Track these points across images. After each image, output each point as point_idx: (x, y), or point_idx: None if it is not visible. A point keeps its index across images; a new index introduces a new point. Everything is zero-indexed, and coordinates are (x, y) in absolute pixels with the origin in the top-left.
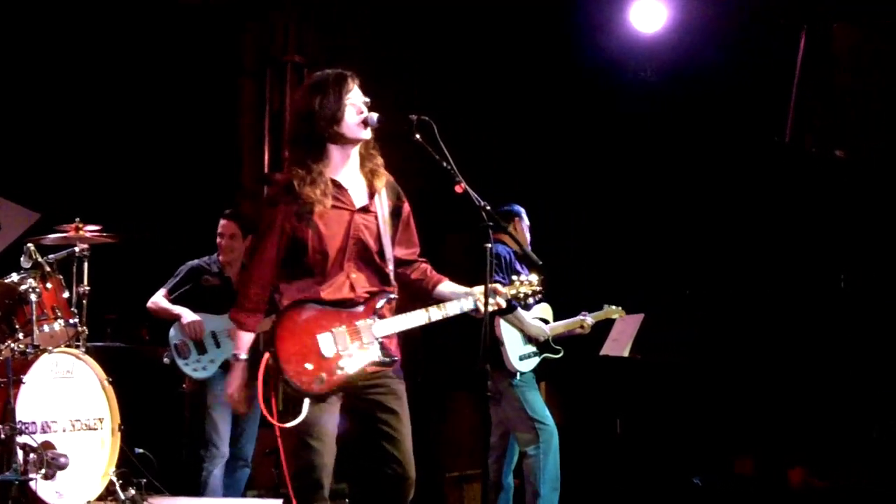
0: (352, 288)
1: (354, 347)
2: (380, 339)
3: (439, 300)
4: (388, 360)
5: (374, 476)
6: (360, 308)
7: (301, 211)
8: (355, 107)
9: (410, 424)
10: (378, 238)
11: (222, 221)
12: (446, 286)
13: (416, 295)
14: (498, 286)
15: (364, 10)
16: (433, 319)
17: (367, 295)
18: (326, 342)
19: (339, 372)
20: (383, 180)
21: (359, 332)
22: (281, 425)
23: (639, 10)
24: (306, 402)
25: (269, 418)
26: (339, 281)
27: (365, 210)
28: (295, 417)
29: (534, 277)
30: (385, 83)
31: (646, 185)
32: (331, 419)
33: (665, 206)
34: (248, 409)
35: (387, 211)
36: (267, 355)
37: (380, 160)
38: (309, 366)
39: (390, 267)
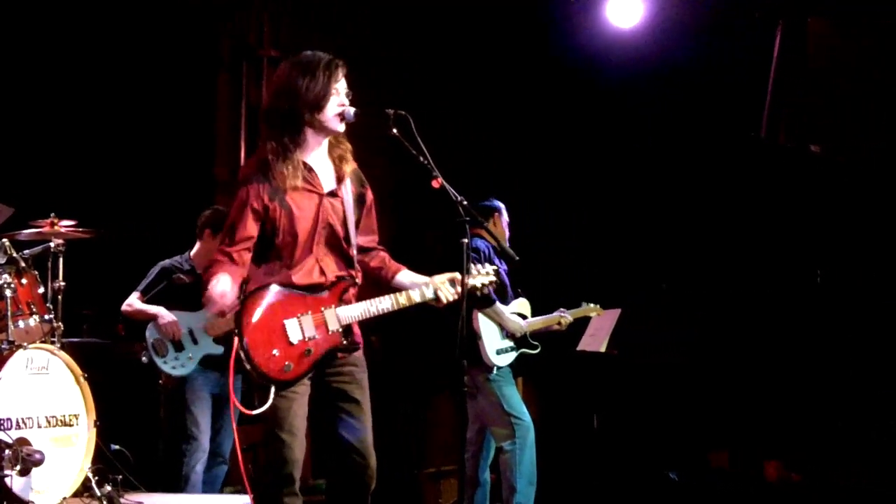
0: (321, 272)
1: (320, 333)
2: (345, 325)
3: (398, 289)
4: (353, 346)
5: (337, 465)
6: (325, 293)
7: (273, 190)
8: (338, 98)
9: (383, 419)
10: (344, 223)
11: (207, 233)
12: (405, 275)
13: (374, 283)
14: (456, 274)
15: (340, 4)
16: (398, 306)
17: (332, 279)
18: (293, 328)
19: (305, 358)
20: (350, 167)
21: (324, 318)
22: (248, 412)
23: (615, 5)
24: (272, 389)
25: (238, 405)
26: (309, 265)
27: (333, 195)
28: (262, 405)
29: (490, 268)
30: (361, 78)
31: (623, 181)
32: (300, 410)
33: (642, 201)
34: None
35: (352, 197)
36: (236, 341)
37: (348, 146)
38: (276, 352)
39: (354, 252)
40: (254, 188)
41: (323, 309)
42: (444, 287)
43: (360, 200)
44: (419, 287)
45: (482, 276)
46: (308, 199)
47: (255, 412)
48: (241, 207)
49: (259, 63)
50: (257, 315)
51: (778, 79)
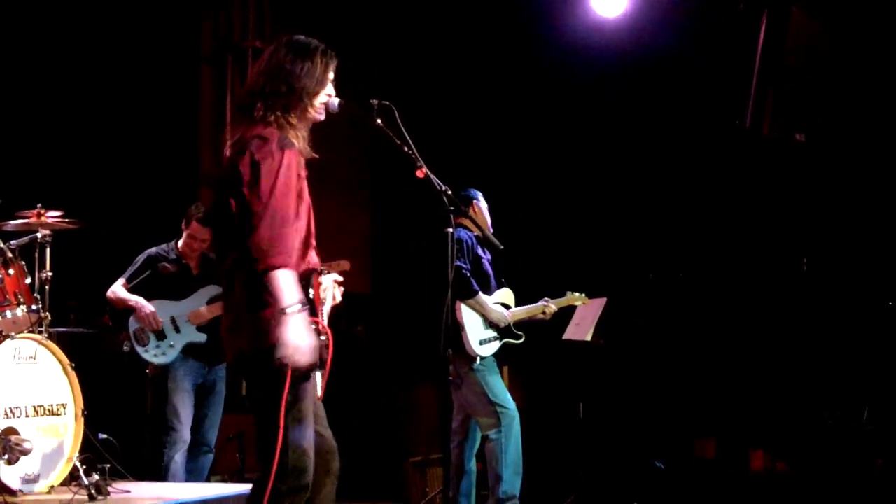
0: (316, 252)
1: (326, 311)
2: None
3: None
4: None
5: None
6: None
7: (301, 163)
8: (329, 87)
9: (368, 408)
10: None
11: (195, 224)
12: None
13: None
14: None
15: None
16: None
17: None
18: (321, 309)
19: (323, 338)
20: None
21: (326, 296)
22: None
23: None
24: (318, 374)
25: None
26: (311, 242)
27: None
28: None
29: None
30: (344, 69)
31: (608, 170)
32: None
33: (627, 191)
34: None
35: None
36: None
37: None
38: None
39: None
40: (295, 154)
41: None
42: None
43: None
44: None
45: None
46: (303, 177)
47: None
48: (283, 179)
49: (244, 55)
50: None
51: (762, 68)
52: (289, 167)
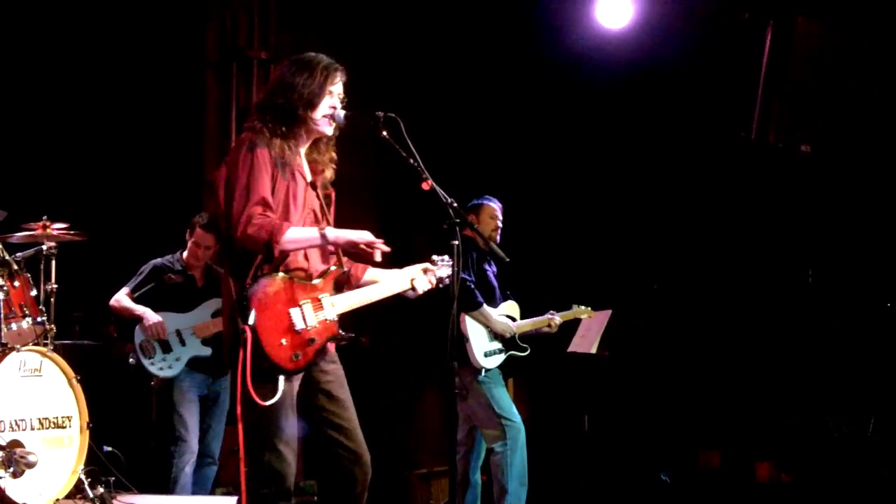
0: (306, 257)
1: (321, 322)
2: (341, 314)
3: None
4: (345, 336)
5: (333, 466)
6: (320, 282)
7: (276, 160)
8: (332, 100)
9: (374, 420)
10: (324, 215)
11: (199, 231)
12: (374, 272)
13: (342, 284)
14: (428, 265)
15: (329, 5)
16: (384, 295)
17: (321, 268)
18: (297, 316)
19: (309, 347)
20: (331, 174)
21: (322, 307)
22: (263, 403)
23: (604, 6)
24: (281, 379)
25: (255, 397)
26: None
27: (313, 186)
28: (273, 396)
29: (445, 257)
30: (351, 79)
31: (613, 181)
32: (292, 414)
33: (633, 202)
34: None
35: (322, 196)
36: (248, 330)
37: (334, 155)
38: (284, 341)
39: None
40: (264, 152)
41: (321, 297)
42: (418, 277)
43: (327, 201)
44: (396, 278)
45: (444, 266)
46: (298, 181)
47: (267, 403)
48: (256, 168)
49: (249, 65)
50: (264, 303)
51: (768, 78)
52: (256, 166)
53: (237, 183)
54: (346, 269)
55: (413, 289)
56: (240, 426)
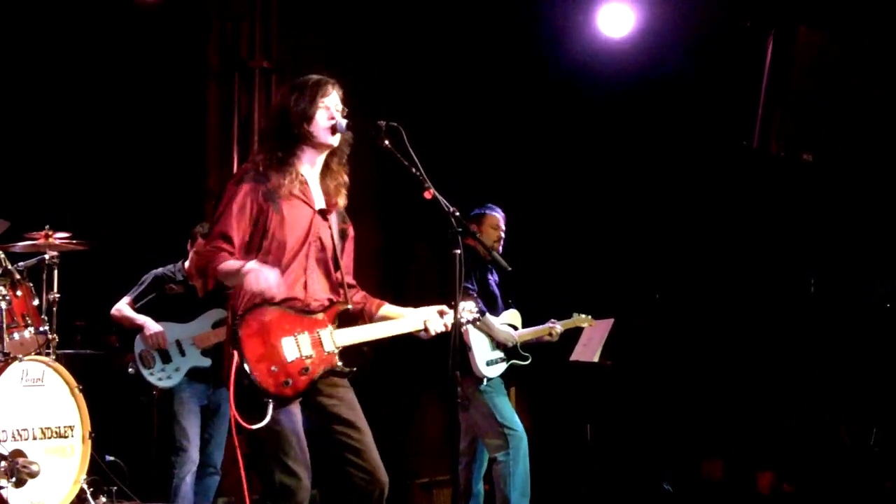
0: (304, 287)
1: (317, 353)
2: (340, 349)
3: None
4: (347, 370)
5: (347, 488)
6: (321, 315)
7: (268, 192)
8: (328, 111)
9: (375, 429)
10: (333, 246)
11: (200, 241)
12: (389, 308)
13: (358, 316)
14: (444, 307)
15: (330, 16)
16: (391, 334)
17: (325, 302)
18: (289, 346)
19: (303, 376)
20: (343, 200)
21: (320, 340)
22: (248, 426)
23: (606, 14)
24: (270, 405)
25: (239, 420)
26: (294, 276)
27: (323, 214)
28: (261, 420)
29: (472, 305)
30: (352, 88)
31: (615, 190)
32: (302, 436)
33: (635, 211)
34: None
35: (337, 229)
36: (235, 355)
37: (345, 179)
38: (274, 368)
39: (342, 278)
40: (248, 186)
41: (319, 330)
42: (433, 318)
43: (342, 235)
44: (409, 317)
45: (467, 312)
46: (301, 209)
47: (254, 427)
48: (229, 203)
49: (251, 74)
50: (255, 330)
51: (770, 87)
52: (237, 198)
53: (220, 216)
54: (348, 305)
55: (426, 330)
56: (235, 439)
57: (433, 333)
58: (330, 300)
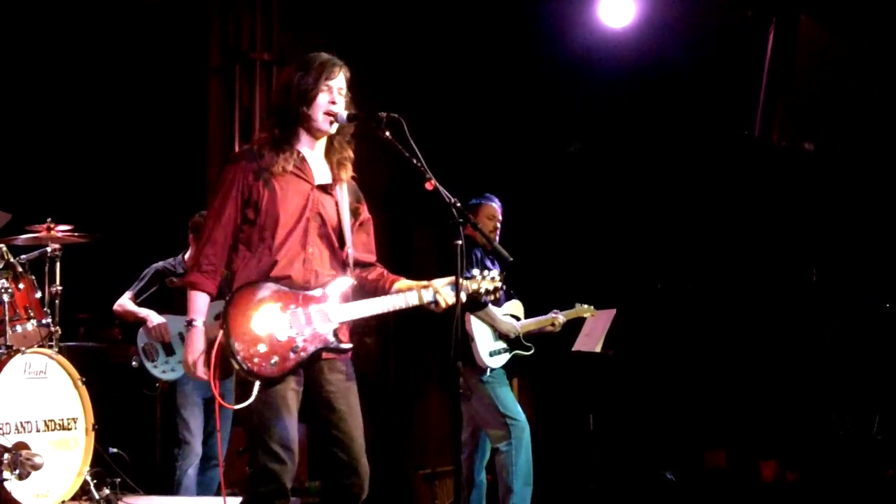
0: (304, 263)
1: (309, 331)
2: (336, 325)
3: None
4: (342, 347)
5: (327, 477)
6: (319, 292)
7: (259, 169)
8: (330, 94)
9: (378, 420)
10: (339, 222)
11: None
12: (404, 283)
13: (373, 294)
14: (462, 281)
15: (331, 7)
16: (395, 308)
17: (326, 277)
18: (282, 323)
19: (292, 356)
20: (348, 174)
21: (315, 316)
22: (230, 406)
23: (607, 5)
24: (256, 385)
25: (218, 399)
26: (292, 254)
27: (325, 189)
28: (244, 400)
29: (495, 273)
30: (353, 79)
31: (616, 180)
32: (291, 417)
33: (636, 200)
34: (206, 376)
35: (346, 205)
36: (220, 333)
37: (349, 153)
38: (262, 347)
39: (349, 252)
40: (240, 167)
41: (314, 306)
42: (443, 290)
43: (354, 213)
44: (417, 290)
45: (487, 280)
46: (297, 184)
47: (236, 406)
48: (224, 185)
49: (252, 67)
50: (246, 308)
51: (771, 77)
52: (225, 182)
53: (213, 202)
54: (350, 281)
55: (437, 303)
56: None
57: (444, 305)
58: (333, 276)
